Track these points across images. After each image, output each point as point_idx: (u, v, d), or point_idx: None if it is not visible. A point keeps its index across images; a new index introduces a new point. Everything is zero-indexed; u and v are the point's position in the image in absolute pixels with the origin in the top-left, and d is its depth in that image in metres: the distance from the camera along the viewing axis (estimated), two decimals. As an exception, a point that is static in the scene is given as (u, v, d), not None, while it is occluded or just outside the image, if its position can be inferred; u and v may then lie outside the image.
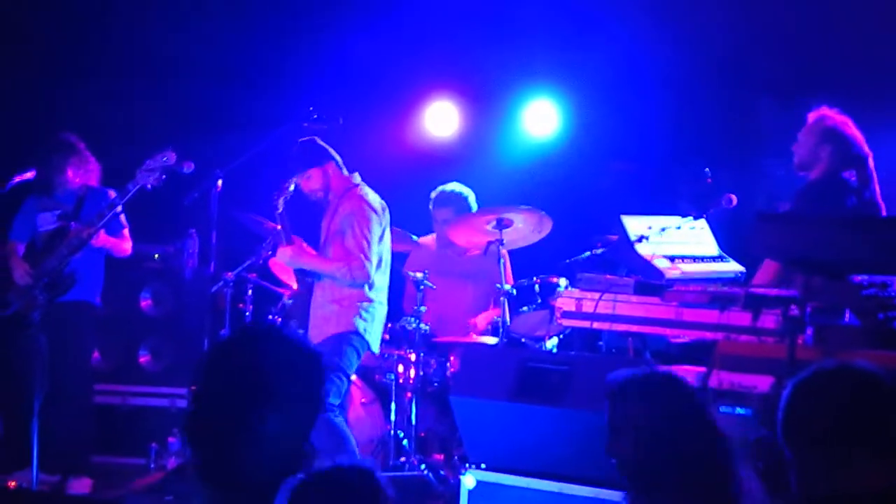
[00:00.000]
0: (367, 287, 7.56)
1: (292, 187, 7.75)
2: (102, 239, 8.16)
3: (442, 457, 8.14)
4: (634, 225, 6.90)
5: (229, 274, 8.37)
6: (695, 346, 6.57)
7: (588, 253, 7.57)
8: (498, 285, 8.15)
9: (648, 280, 6.47)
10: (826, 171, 6.93)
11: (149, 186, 7.77)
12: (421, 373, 8.18)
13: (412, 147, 10.63)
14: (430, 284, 8.38)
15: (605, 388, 4.08)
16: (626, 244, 6.82)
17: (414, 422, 8.10)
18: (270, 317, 8.33)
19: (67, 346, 8.14)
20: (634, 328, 6.45)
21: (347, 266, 7.46)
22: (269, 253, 8.00)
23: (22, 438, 7.72)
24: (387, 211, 7.72)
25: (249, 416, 3.15)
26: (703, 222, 7.20)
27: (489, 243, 8.32)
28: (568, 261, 7.75)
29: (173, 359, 9.61)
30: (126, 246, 8.42)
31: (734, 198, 7.04)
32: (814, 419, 3.27)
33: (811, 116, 7.12)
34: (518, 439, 5.33)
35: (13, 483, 8.01)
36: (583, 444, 5.07)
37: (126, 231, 8.40)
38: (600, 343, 7.50)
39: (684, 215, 7.01)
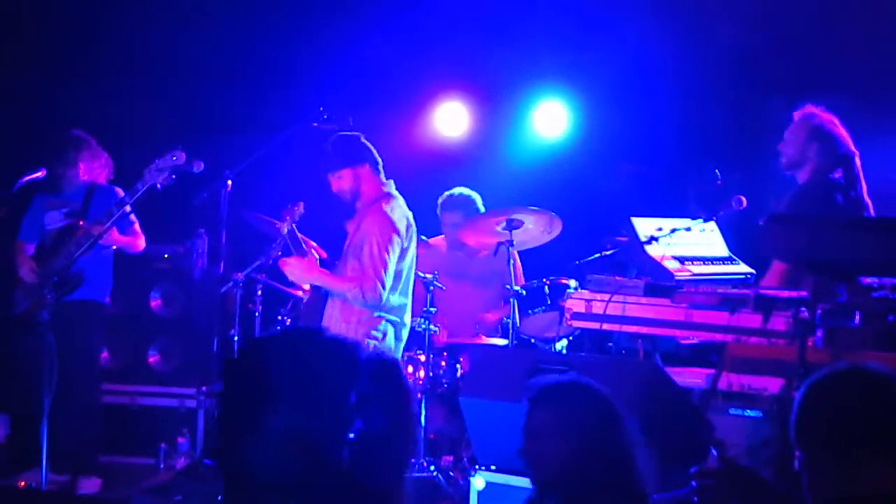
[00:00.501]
0: (381, 306, 7.38)
1: (302, 209, 7.65)
2: (115, 237, 8.17)
3: (451, 458, 8.14)
4: (644, 226, 6.88)
5: (239, 274, 8.37)
6: (705, 347, 6.57)
7: (598, 254, 7.55)
8: (507, 286, 8.15)
9: (658, 282, 6.46)
10: (815, 171, 6.91)
11: (159, 186, 7.77)
12: (431, 374, 8.17)
13: (422, 148, 10.63)
14: (440, 286, 8.37)
15: (527, 393, 4.14)
16: (636, 246, 6.81)
17: (423, 423, 8.09)
18: (280, 317, 8.33)
19: (76, 346, 8.14)
20: (644, 330, 6.44)
21: (359, 287, 7.22)
22: (279, 253, 7.99)
23: (31, 438, 7.71)
24: (412, 227, 7.55)
25: (280, 418, 3.14)
26: (712, 224, 7.19)
27: (499, 244, 8.31)
28: (578, 262, 7.73)
29: (183, 359, 9.62)
30: (139, 242, 8.42)
31: (744, 199, 7.03)
32: (827, 421, 3.27)
33: (797, 115, 7.10)
34: (527, 441, 5.32)
35: (22, 483, 8.02)
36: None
37: (137, 227, 8.40)
38: (610, 345, 7.49)
39: (694, 217, 7.00)
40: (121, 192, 8.08)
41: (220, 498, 7.45)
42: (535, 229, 8.33)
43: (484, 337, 8.63)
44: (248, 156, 8.20)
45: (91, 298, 8.25)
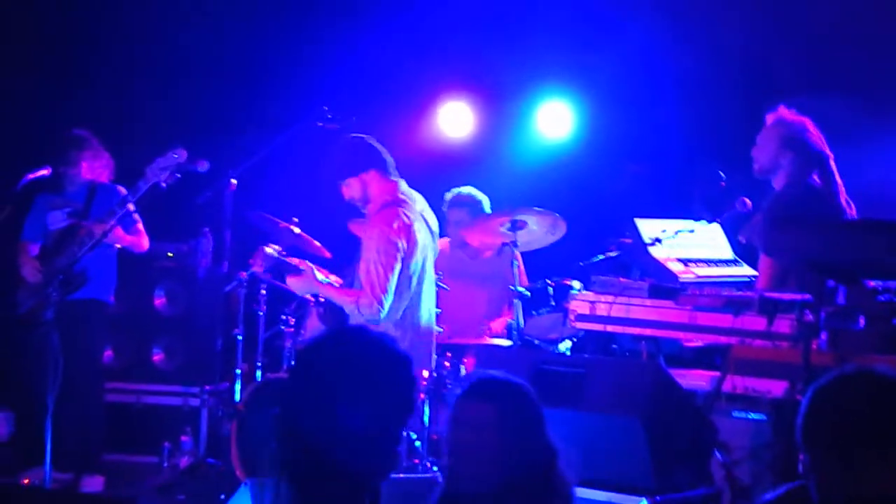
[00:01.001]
0: (391, 318, 7.29)
1: (271, 252, 7.61)
2: (119, 235, 8.16)
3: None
4: (648, 228, 6.89)
5: (243, 273, 8.36)
6: (709, 350, 6.57)
7: (602, 256, 7.56)
8: (511, 287, 8.15)
9: (662, 283, 6.46)
10: (790, 178, 6.85)
11: (163, 185, 7.77)
12: (434, 374, 8.16)
13: (426, 148, 10.62)
14: (444, 286, 8.36)
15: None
16: (640, 247, 6.82)
17: (427, 424, 8.08)
18: (284, 317, 8.33)
19: (79, 345, 8.15)
20: (648, 332, 6.45)
21: (356, 303, 7.17)
22: (284, 253, 7.98)
23: (35, 436, 7.73)
24: (424, 230, 7.47)
25: (340, 414, 3.18)
26: (716, 226, 7.19)
27: (503, 245, 8.31)
28: (582, 263, 7.73)
29: (186, 358, 9.62)
30: (143, 242, 8.42)
31: (748, 201, 7.03)
32: (833, 424, 3.27)
33: (769, 119, 7.03)
34: (531, 442, 5.32)
35: (26, 481, 8.03)
36: (596, 447, 5.07)
37: (140, 226, 8.40)
38: (614, 346, 7.50)
39: (698, 218, 7.01)
40: (123, 191, 8.08)
41: (223, 496, 7.48)
42: (538, 230, 8.32)
43: (488, 337, 8.63)
44: (252, 155, 8.21)
45: (95, 297, 8.25)
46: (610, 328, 6.58)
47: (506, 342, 8.41)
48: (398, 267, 7.23)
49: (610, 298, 6.44)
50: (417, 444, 7.96)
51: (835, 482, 3.27)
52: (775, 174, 6.90)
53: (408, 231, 7.28)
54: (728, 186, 7.58)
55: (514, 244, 8.14)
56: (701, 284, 6.51)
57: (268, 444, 3.27)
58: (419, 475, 7.74)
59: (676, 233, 6.87)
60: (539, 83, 10.58)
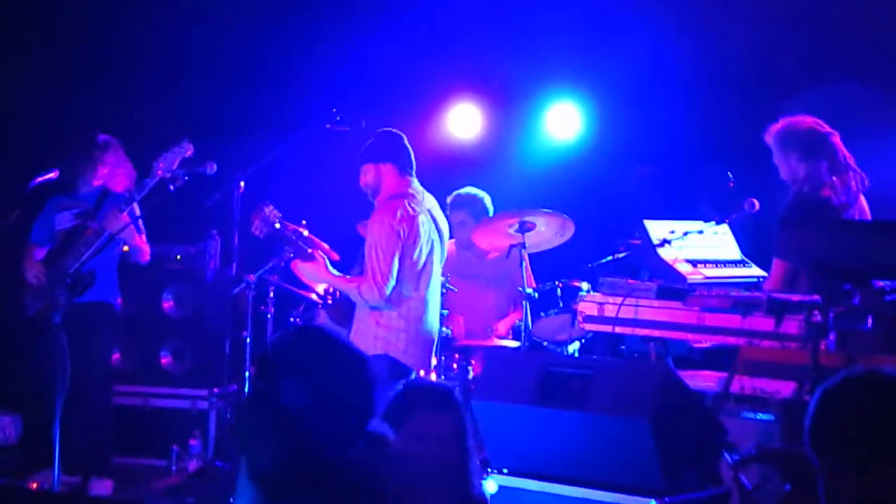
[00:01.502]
0: (395, 307, 7.33)
1: (270, 212, 7.61)
2: (132, 231, 8.12)
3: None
4: (657, 229, 6.88)
5: (251, 276, 8.36)
6: (717, 351, 6.56)
7: (610, 257, 7.55)
8: (519, 289, 8.14)
9: (671, 285, 6.45)
10: (807, 177, 6.83)
11: (172, 188, 7.75)
12: (442, 376, 8.16)
13: (435, 149, 10.59)
14: (452, 287, 8.36)
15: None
16: (649, 248, 6.81)
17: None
18: (292, 319, 8.33)
19: (87, 347, 8.15)
20: (656, 333, 6.43)
21: (358, 287, 7.24)
22: (291, 255, 7.98)
23: (43, 439, 7.74)
24: (431, 225, 7.49)
25: (295, 418, 3.16)
26: (725, 227, 7.18)
27: (511, 246, 8.30)
28: (590, 265, 7.72)
29: (195, 360, 9.63)
30: (145, 249, 8.40)
31: (756, 202, 7.02)
32: (842, 426, 3.26)
33: (767, 139, 7.02)
34: (540, 444, 5.32)
35: (35, 484, 8.02)
36: (605, 448, 5.06)
37: (144, 237, 8.39)
38: (622, 347, 7.49)
39: (707, 220, 6.99)
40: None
41: (231, 500, 7.47)
42: (547, 231, 8.32)
43: (496, 339, 8.62)
44: (260, 157, 8.21)
45: (102, 300, 8.25)
46: (618, 329, 6.57)
47: (514, 343, 8.41)
48: (398, 253, 7.25)
49: (618, 300, 6.43)
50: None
51: (843, 484, 3.26)
52: (798, 179, 6.88)
53: (410, 221, 7.30)
54: (736, 187, 7.57)
55: (523, 246, 8.13)
56: (709, 285, 6.51)
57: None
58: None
59: (685, 234, 6.86)
60: (547, 84, 10.57)
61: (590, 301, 6.67)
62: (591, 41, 10.02)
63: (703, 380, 6.21)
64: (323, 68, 10.37)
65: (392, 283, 7.22)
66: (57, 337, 7.89)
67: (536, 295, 8.31)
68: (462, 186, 9.21)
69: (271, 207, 7.48)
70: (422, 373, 7.73)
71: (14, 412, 9.31)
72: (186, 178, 7.77)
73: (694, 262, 6.78)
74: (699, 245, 6.95)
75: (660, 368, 5.99)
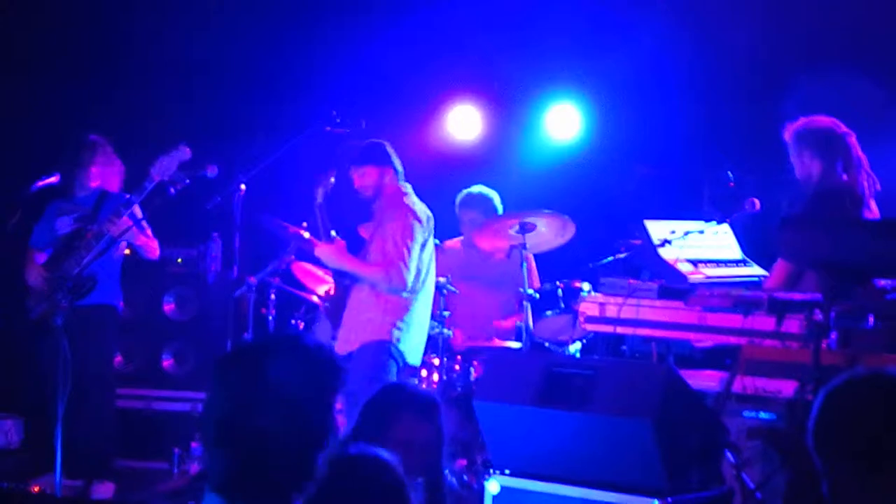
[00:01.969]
0: (405, 296, 7.53)
1: (333, 179, 7.74)
2: (135, 234, 8.13)
3: (465, 462, 8.12)
4: (658, 229, 6.88)
5: (252, 278, 8.37)
6: (719, 350, 6.55)
7: (611, 257, 7.55)
8: (521, 289, 8.14)
9: (672, 285, 6.44)
10: (821, 176, 6.84)
11: (172, 191, 7.76)
12: (444, 377, 8.16)
13: (435, 151, 10.62)
14: (453, 289, 8.37)
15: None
16: (650, 248, 6.80)
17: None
18: (293, 321, 8.33)
19: (90, 350, 8.15)
20: (658, 333, 6.43)
21: (385, 271, 7.40)
22: (293, 257, 7.99)
23: (45, 443, 7.73)
24: (431, 221, 7.71)
25: (258, 422, 3.15)
26: (726, 226, 7.18)
27: (512, 247, 8.31)
28: (591, 265, 7.73)
29: (196, 363, 9.64)
30: (154, 245, 8.41)
31: (757, 202, 7.02)
32: (846, 428, 3.25)
33: (785, 136, 7.04)
34: (542, 444, 5.31)
35: (37, 488, 8.03)
36: (607, 449, 5.06)
37: (150, 233, 8.40)
38: (624, 348, 7.48)
39: (707, 219, 6.99)
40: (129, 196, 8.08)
41: None
42: (548, 232, 8.32)
43: (497, 340, 8.63)
44: (261, 160, 8.21)
45: (104, 303, 8.26)
46: (620, 330, 6.56)
47: (515, 344, 8.41)
48: (420, 240, 7.51)
49: (619, 300, 6.42)
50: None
51: (848, 486, 3.25)
52: (813, 176, 6.89)
53: (423, 216, 7.61)
54: (737, 187, 7.57)
55: (524, 246, 8.14)
56: (710, 285, 6.50)
57: None
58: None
59: (686, 234, 6.86)
60: (547, 85, 10.57)
61: (591, 301, 6.66)
62: (590, 42, 10.03)
63: (704, 379, 6.21)
64: (323, 71, 10.38)
65: (414, 267, 7.34)
66: (59, 340, 7.87)
67: (538, 296, 8.32)
68: (463, 188, 9.24)
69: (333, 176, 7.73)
70: (423, 372, 7.77)
71: (16, 416, 9.32)
72: (187, 181, 7.78)
73: (695, 262, 6.78)
74: (700, 245, 6.95)
75: (662, 368, 5.99)
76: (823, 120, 6.93)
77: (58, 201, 8.44)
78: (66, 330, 7.70)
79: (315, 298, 8.53)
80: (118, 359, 9.25)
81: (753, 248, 7.28)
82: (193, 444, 9.12)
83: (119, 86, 10.23)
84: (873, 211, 6.83)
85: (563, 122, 10.64)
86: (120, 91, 10.19)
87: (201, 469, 8.80)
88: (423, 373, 8.19)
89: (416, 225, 7.53)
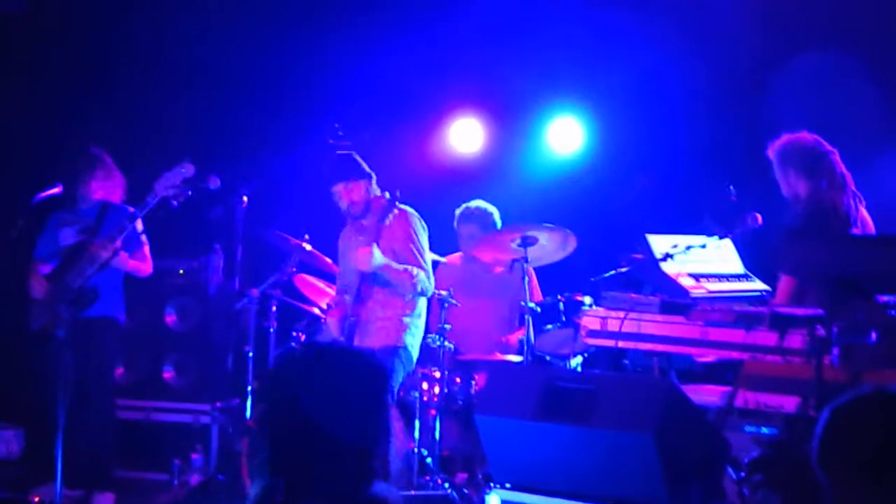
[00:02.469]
0: (419, 301, 7.78)
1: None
2: (122, 259, 8.14)
3: (466, 476, 8.12)
4: (659, 243, 6.87)
5: (254, 290, 8.37)
6: (720, 365, 6.55)
7: (613, 271, 7.54)
8: (522, 303, 8.14)
9: (674, 299, 6.44)
10: (807, 194, 6.86)
11: (174, 203, 7.78)
12: (445, 390, 8.16)
13: (437, 164, 10.64)
14: (454, 302, 8.37)
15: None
16: (652, 263, 6.79)
17: (438, 440, 8.08)
18: (295, 334, 8.33)
19: (91, 362, 8.15)
20: (660, 347, 6.41)
21: (416, 275, 7.65)
22: (294, 269, 7.99)
23: (46, 453, 7.73)
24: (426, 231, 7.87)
25: (316, 431, 3.20)
26: (728, 241, 7.18)
27: (514, 261, 8.31)
28: (593, 279, 7.72)
29: (197, 374, 9.63)
30: (146, 267, 8.41)
31: (759, 217, 7.02)
32: (853, 446, 3.24)
33: (769, 154, 7.07)
34: (543, 458, 5.32)
35: (37, 498, 8.03)
36: (608, 463, 5.06)
37: (146, 250, 8.40)
38: (625, 362, 7.48)
39: (709, 234, 6.99)
40: (133, 210, 8.09)
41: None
42: (549, 246, 8.32)
43: (499, 353, 8.63)
44: (263, 172, 8.22)
45: (107, 315, 8.26)
46: (621, 344, 6.55)
47: (517, 358, 8.41)
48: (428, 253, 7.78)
49: (621, 314, 6.42)
50: (429, 460, 7.96)
51: (853, 502, 3.24)
52: (799, 196, 6.91)
53: (425, 230, 7.85)
54: (739, 202, 7.57)
55: (525, 260, 8.13)
56: (712, 300, 6.49)
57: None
58: (431, 492, 7.74)
59: (687, 248, 6.85)
60: (549, 99, 10.58)
61: (593, 315, 6.65)
62: (592, 56, 10.04)
63: (706, 394, 6.21)
64: (325, 83, 10.39)
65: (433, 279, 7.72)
66: (60, 351, 7.89)
67: (539, 309, 8.31)
68: (464, 201, 9.24)
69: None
70: (425, 385, 7.81)
71: (17, 426, 9.31)
72: (189, 192, 7.79)
73: (697, 277, 6.77)
74: (702, 259, 6.94)
75: (663, 383, 5.99)
76: (807, 138, 6.94)
77: (60, 212, 8.45)
78: (67, 341, 7.72)
79: (317, 310, 8.52)
80: (119, 370, 9.25)
81: (755, 262, 7.28)
82: (194, 456, 9.13)
83: (122, 97, 10.25)
84: (863, 228, 6.84)
85: (564, 136, 10.65)
86: (123, 102, 10.20)
87: (201, 480, 8.80)
88: (425, 385, 8.19)
89: (425, 235, 7.78)
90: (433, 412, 8.15)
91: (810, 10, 9.15)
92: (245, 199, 8.04)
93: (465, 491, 7.82)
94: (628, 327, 6.40)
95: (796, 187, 6.88)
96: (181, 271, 9.68)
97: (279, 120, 10.12)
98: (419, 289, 7.70)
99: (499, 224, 9.07)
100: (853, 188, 6.87)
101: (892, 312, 5.65)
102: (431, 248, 8.30)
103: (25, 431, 9.32)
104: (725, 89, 9.57)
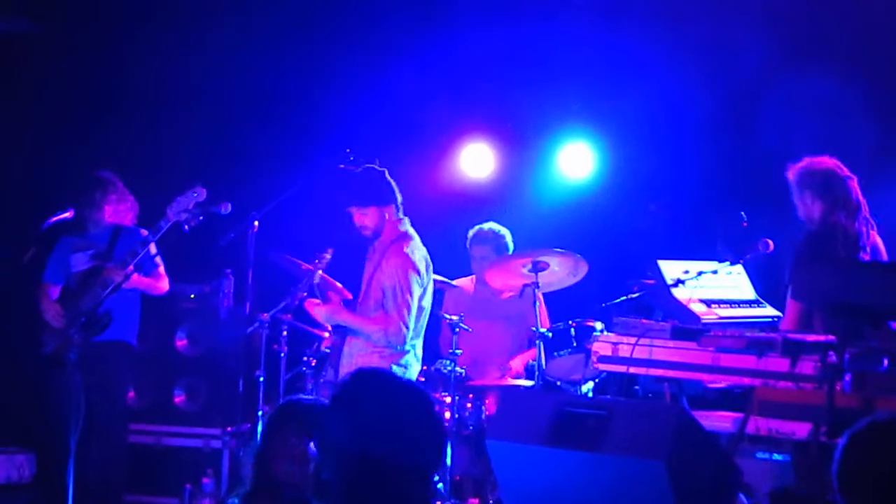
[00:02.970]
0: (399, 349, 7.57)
1: (330, 255, 7.77)
2: (136, 280, 8.16)
3: (477, 501, 8.11)
4: (671, 269, 6.87)
5: (265, 315, 8.36)
6: (732, 391, 6.54)
7: (624, 297, 7.54)
8: (533, 328, 8.13)
9: (685, 325, 6.43)
10: (821, 217, 6.88)
11: (186, 228, 7.80)
12: (456, 416, 8.15)
13: (447, 189, 10.65)
14: (466, 327, 8.37)
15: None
16: (663, 288, 6.79)
17: (449, 465, 8.06)
18: (305, 358, 8.33)
19: (103, 386, 8.16)
20: (671, 373, 6.40)
21: (384, 330, 7.43)
22: (305, 294, 7.99)
23: (57, 478, 7.73)
24: (430, 268, 7.73)
25: (380, 461, 3.26)
26: (739, 267, 7.17)
27: (525, 286, 8.31)
28: (604, 304, 7.72)
29: (208, 399, 9.62)
30: (162, 284, 8.44)
31: (771, 242, 7.02)
32: (871, 472, 3.25)
33: (788, 176, 7.08)
34: (554, 484, 5.30)
35: (48, 522, 8.03)
36: (619, 490, 5.05)
37: (161, 269, 8.43)
38: (636, 388, 7.48)
39: (721, 260, 6.99)
40: (145, 233, 8.11)
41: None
42: (560, 271, 8.32)
43: (509, 378, 8.62)
44: (274, 197, 8.23)
45: (119, 339, 8.27)
46: (632, 370, 6.54)
47: (527, 383, 8.40)
48: (419, 292, 7.43)
49: (632, 340, 6.41)
50: (440, 485, 7.94)
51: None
52: (814, 218, 6.92)
53: (422, 263, 7.57)
54: (750, 227, 7.57)
55: (536, 285, 8.13)
56: (724, 325, 6.48)
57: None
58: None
59: (699, 274, 6.85)
60: (560, 124, 10.59)
61: (604, 341, 6.65)
62: (604, 81, 10.05)
63: (718, 420, 6.20)
64: (336, 108, 10.40)
65: (413, 323, 7.35)
66: (72, 375, 7.90)
67: (550, 334, 8.30)
68: (475, 226, 9.24)
69: (330, 252, 7.72)
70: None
71: (28, 450, 9.31)
72: (201, 217, 7.81)
73: (708, 303, 6.77)
74: (713, 285, 6.94)
75: (675, 409, 5.97)
76: (826, 161, 6.96)
77: (70, 237, 8.46)
78: (79, 365, 7.73)
79: (327, 335, 8.52)
80: (130, 394, 9.26)
81: (767, 288, 7.27)
82: (205, 480, 9.12)
83: (133, 122, 10.26)
84: (875, 254, 6.84)
85: (576, 161, 10.66)
86: (134, 127, 10.22)
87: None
88: (435, 410, 8.16)
89: (415, 278, 7.51)
90: (444, 437, 8.12)
91: (823, 36, 9.16)
92: (256, 223, 8.05)
93: (476, 516, 7.81)
94: (639, 353, 6.40)
95: (812, 210, 6.90)
96: (192, 296, 9.68)
97: (290, 145, 10.14)
98: (382, 343, 7.49)
99: (511, 246, 9.08)
100: (866, 214, 6.87)
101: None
102: (443, 273, 8.31)
103: (37, 456, 9.30)
104: (736, 115, 9.57)
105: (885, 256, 6.89)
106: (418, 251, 7.65)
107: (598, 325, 8.04)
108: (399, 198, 7.75)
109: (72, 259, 8.34)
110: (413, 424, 3.37)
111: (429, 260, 7.71)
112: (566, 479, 5.25)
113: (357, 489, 3.31)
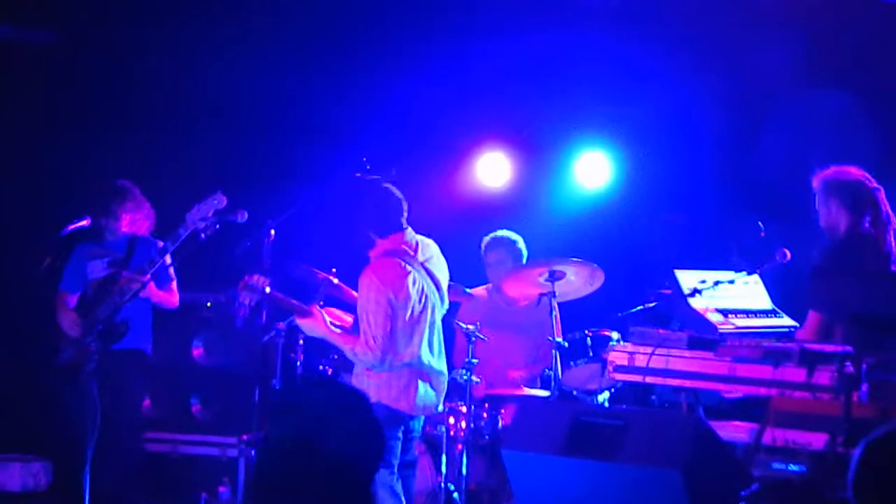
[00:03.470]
0: (390, 364, 7.12)
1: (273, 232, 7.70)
2: (152, 291, 8.17)
3: (492, 510, 8.10)
4: (687, 279, 6.86)
5: (281, 324, 8.38)
6: (748, 401, 6.52)
7: (641, 306, 7.53)
8: (549, 338, 8.13)
9: (702, 335, 6.41)
10: (847, 227, 6.85)
11: (203, 236, 7.81)
12: (472, 425, 8.14)
13: (464, 198, 10.65)
14: (482, 336, 8.35)
15: None
16: (680, 298, 6.78)
17: (465, 474, 8.06)
18: (321, 367, 8.33)
19: (119, 395, 8.17)
20: (687, 383, 6.38)
21: (353, 348, 7.09)
22: (321, 304, 7.99)
23: (73, 486, 7.74)
24: (420, 279, 7.23)
25: (310, 467, 3.25)
26: (756, 277, 7.16)
27: (541, 295, 8.30)
28: (620, 314, 7.71)
29: (224, 408, 9.64)
30: (174, 299, 8.44)
31: (788, 252, 7.00)
32: (887, 480, 3.24)
33: (813, 183, 7.05)
34: (570, 494, 5.30)
35: (65, 531, 8.05)
36: (635, 499, 5.04)
37: (174, 284, 8.43)
38: (653, 397, 7.46)
39: (737, 269, 6.97)
40: (161, 244, 8.10)
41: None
42: (577, 281, 8.32)
43: (525, 388, 8.61)
44: (291, 205, 8.23)
45: (135, 347, 8.27)
46: (649, 379, 6.52)
47: (543, 393, 8.39)
48: (389, 316, 7.06)
49: (649, 349, 6.39)
50: (455, 495, 7.94)
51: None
52: (838, 227, 6.90)
53: (401, 282, 7.10)
54: (767, 237, 7.55)
55: (553, 295, 8.13)
56: (740, 335, 6.47)
57: None
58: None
59: (715, 284, 6.83)
60: (577, 133, 10.59)
61: (620, 351, 6.63)
62: (620, 90, 10.05)
63: (734, 430, 6.18)
64: (353, 117, 10.41)
65: (385, 345, 7.06)
66: (88, 384, 7.92)
67: (566, 344, 8.29)
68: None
69: (256, 276, 7.46)
70: (451, 419, 7.73)
71: (44, 459, 9.33)
72: (217, 225, 7.82)
73: (725, 312, 6.75)
74: (730, 295, 6.92)
75: (691, 419, 5.96)
76: (854, 172, 6.93)
77: (87, 245, 8.47)
78: (95, 374, 7.75)
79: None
80: (146, 402, 9.27)
81: (784, 298, 7.25)
82: (220, 489, 9.13)
83: (150, 130, 10.29)
84: None
85: (592, 170, 10.65)
86: (151, 135, 10.24)
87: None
88: (451, 420, 8.17)
89: (385, 296, 7.04)
90: (459, 447, 8.13)
91: (839, 46, 9.14)
92: (272, 232, 8.05)
93: (492, 526, 7.80)
94: (656, 363, 6.38)
95: (837, 220, 6.86)
96: (208, 304, 9.70)
97: (307, 154, 10.14)
98: (359, 362, 7.17)
99: (524, 252, 9.08)
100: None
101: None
102: (459, 281, 8.27)
103: (53, 464, 9.32)
104: (753, 124, 9.56)
105: None
106: (405, 267, 7.19)
107: (615, 335, 8.02)
108: (398, 213, 7.35)
109: (88, 267, 8.35)
110: (351, 423, 3.39)
111: (431, 267, 7.45)
112: (582, 488, 5.24)
113: (300, 490, 3.33)
